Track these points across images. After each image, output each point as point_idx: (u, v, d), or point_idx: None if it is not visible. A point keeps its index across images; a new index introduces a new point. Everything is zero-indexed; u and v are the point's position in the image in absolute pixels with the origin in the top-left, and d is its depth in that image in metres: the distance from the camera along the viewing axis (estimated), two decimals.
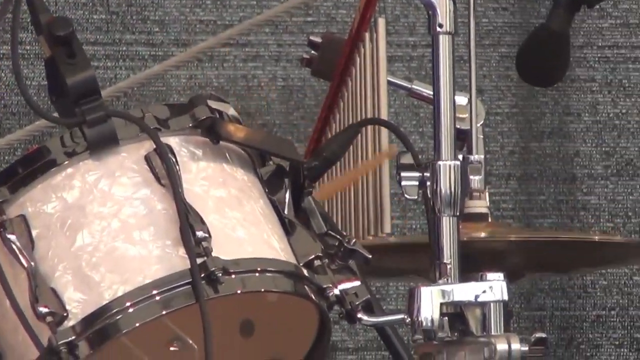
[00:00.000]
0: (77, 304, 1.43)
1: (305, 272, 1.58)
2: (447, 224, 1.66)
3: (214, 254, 1.45)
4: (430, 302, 1.57)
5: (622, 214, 3.76)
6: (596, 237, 3.06)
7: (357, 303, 1.59)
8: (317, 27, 3.68)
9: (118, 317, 1.43)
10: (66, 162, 1.51)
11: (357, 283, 1.60)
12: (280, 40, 3.73)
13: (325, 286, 1.57)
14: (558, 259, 2.84)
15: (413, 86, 2.71)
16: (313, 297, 1.56)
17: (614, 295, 3.73)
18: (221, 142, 1.58)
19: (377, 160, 2.42)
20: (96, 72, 1.64)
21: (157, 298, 1.43)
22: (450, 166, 1.67)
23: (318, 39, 2.65)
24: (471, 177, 1.67)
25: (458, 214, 1.68)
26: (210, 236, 1.45)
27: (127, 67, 3.67)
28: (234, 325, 1.61)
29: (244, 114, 1.75)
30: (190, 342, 1.56)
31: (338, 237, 1.65)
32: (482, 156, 1.72)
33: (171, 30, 3.70)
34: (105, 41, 3.69)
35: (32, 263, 1.44)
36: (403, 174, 1.69)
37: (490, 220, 2.68)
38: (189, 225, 1.44)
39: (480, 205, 2.58)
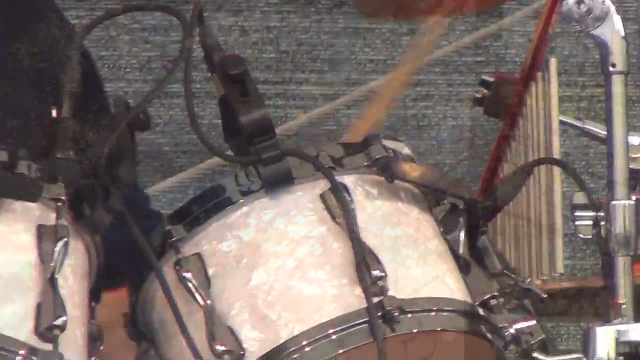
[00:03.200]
0: (254, 342, 1.43)
1: (481, 311, 1.55)
2: (621, 264, 1.63)
3: (390, 293, 1.43)
4: (605, 342, 1.51)
5: None
6: None
7: (532, 342, 1.55)
8: (487, 66, 3.68)
9: (295, 356, 1.42)
10: (241, 201, 1.52)
11: (533, 322, 1.57)
12: (450, 79, 3.73)
13: (501, 325, 1.54)
14: None
15: (585, 126, 2.67)
16: (489, 336, 1.54)
17: None
18: (396, 181, 1.55)
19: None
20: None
21: (334, 337, 1.42)
22: (624, 206, 1.64)
23: (490, 78, 2.66)
24: None
25: (632, 253, 1.65)
26: (386, 275, 1.43)
27: (298, 106, 3.74)
28: None
29: (414, 154, 1.77)
30: None
31: (513, 276, 1.63)
32: None
33: (341, 69, 3.76)
34: (275, 80, 3.77)
35: (209, 301, 1.45)
36: (577, 213, 1.66)
37: None
38: (365, 264, 1.42)
39: None
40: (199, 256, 1.50)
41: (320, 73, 3.78)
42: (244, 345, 1.43)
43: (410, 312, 1.45)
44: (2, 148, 1.54)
